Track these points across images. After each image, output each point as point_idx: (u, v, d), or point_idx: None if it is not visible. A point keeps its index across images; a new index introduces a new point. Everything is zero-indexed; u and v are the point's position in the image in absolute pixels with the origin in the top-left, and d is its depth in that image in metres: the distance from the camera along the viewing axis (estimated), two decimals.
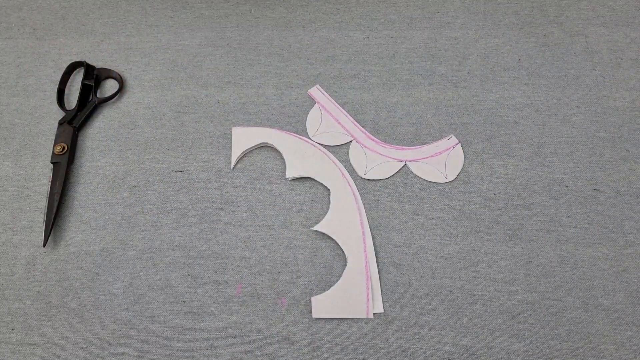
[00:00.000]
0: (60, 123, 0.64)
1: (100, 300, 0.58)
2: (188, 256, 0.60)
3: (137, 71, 0.71)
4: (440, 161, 0.61)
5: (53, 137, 0.66)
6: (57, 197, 0.61)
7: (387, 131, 0.66)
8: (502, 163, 0.64)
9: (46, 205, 0.61)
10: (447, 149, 0.62)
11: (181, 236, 0.61)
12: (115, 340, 0.56)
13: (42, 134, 0.67)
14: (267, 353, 0.56)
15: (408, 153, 0.59)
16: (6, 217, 0.62)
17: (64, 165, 0.62)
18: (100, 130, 0.67)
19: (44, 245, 0.60)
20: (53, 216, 0.60)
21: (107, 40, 0.73)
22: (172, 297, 0.58)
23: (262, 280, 0.59)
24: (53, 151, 0.63)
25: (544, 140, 0.66)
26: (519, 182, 0.63)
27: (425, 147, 0.62)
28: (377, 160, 0.58)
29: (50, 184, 0.61)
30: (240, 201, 0.63)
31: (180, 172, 0.64)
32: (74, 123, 0.65)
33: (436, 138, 0.66)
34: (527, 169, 0.64)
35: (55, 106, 0.68)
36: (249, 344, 0.56)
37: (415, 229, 0.61)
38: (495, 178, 0.63)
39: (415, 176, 0.63)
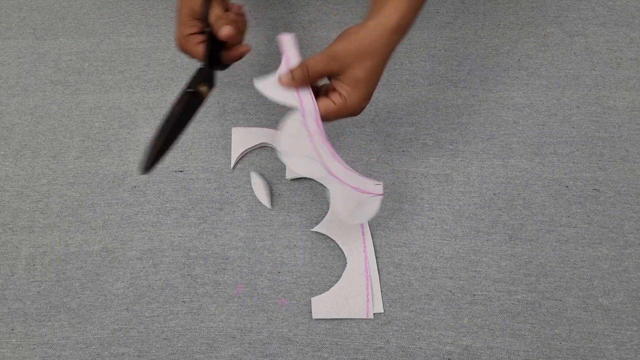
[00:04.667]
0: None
1: (100, 300, 0.58)
2: (188, 256, 0.60)
3: (137, 71, 0.71)
4: (353, 197, 0.53)
5: (53, 137, 0.66)
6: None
7: (387, 131, 0.66)
8: (502, 163, 0.64)
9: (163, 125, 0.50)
10: (368, 192, 0.54)
11: (181, 236, 0.61)
12: (115, 340, 0.56)
13: (42, 133, 0.67)
14: (267, 353, 0.56)
15: (339, 167, 0.51)
16: (6, 217, 0.62)
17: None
18: (100, 130, 0.67)
19: (145, 171, 0.49)
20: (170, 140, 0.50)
21: (107, 40, 0.73)
22: (172, 297, 0.58)
23: (262, 280, 0.59)
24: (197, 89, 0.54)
25: (543, 140, 0.66)
26: (519, 182, 0.63)
27: (354, 175, 0.53)
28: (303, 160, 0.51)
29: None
30: (240, 201, 0.63)
31: (180, 172, 0.64)
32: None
33: (436, 138, 0.66)
34: (527, 169, 0.64)
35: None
36: (249, 344, 0.56)
37: (415, 229, 0.61)
38: (495, 178, 0.63)
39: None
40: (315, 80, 0.51)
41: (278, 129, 0.52)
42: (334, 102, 0.51)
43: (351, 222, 0.54)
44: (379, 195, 0.55)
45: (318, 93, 0.52)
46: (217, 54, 0.55)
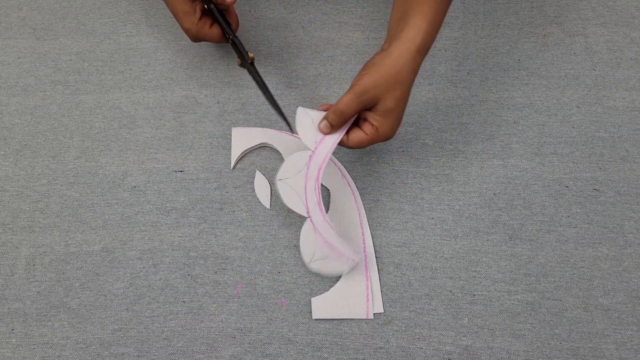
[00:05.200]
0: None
1: (100, 300, 0.58)
2: (188, 256, 0.60)
3: (137, 71, 0.71)
4: (319, 247, 0.55)
5: (53, 137, 0.66)
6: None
7: None
8: (502, 163, 0.64)
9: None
10: (340, 252, 0.55)
11: (181, 236, 0.61)
12: (115, 340, 0.56)
13: (42, 133, 0.67)
14: (267, 353, 0.56)
15: (319, 218, 0.54)
16: (6, 217, 0.62)
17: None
18: (100, 130, 0.67)
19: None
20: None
21: (107, 40, 0.73)
22: (172, 297, 0.58)
23: (262, 280, 0.59)
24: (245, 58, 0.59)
25: (543, 140, 0.66)
26: (519, 182, 0.63)
27: (332, 232, 0.55)
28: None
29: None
30: (240, 201, 0.63)
31: (180, 172, 0.64)
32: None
33: (436, 138, 0.66)
34: (527, 169, 0.64)
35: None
36: (249, 344, 0.56)
37: (415, 229, 0.61)
38: (495, 178, 0.64)
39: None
40: (352, 119, 0.53)
41: (285, 157, 0.57)
42: (365, 133, 0.52)
43: (308, 266, 0.55)
44: (352, 259, 0.55)
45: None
46: (230, 25, 0.60)
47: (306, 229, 0.55)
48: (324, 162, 0.53)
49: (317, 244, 0.55)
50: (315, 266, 0.55)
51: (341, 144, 0.54)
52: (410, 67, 0.50)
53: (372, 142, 0.53)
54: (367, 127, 0.52)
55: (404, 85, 0.51)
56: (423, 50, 0.51)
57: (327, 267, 0.56)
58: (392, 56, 0.50)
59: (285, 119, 0.55)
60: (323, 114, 0.53)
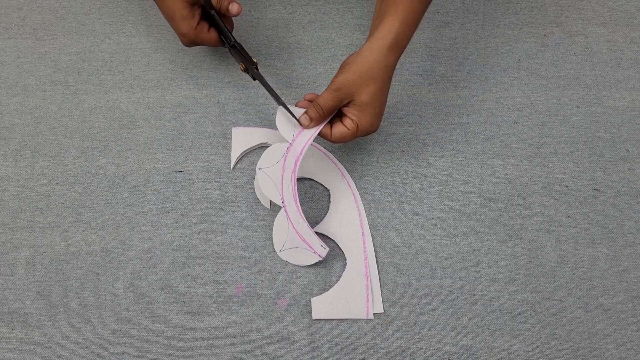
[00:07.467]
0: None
1: (100, 300, 0.58)
2: (188, 256, 0.60)
3: (137, 71, 0.71)
4: (291, 236, 0.57)
5: (53, 137, 0.66)
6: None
7: (388, 131, 0.66)
8: (502, 163, 0.64)
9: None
10: (309, 246, 0.57)
11: (181, 236, 0.61)
12: (115, 340, 0.56)
13: (42, 133, 0.67)
14: (267, 353, 0.56)
15: (294, 209, 0.56)
16: (6, 217, 0.62)
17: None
18: (100, 130, 0.67)
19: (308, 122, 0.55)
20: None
21: (107, 40, 0.73)
22: (172, 297, 0.58)
23: (262, 280, 0.59)
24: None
25: (543, 140, 0.66)
26: (519, 182, 0.63)
27: (304, 224, 0.56)
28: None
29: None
30: (240, 201, 0.63)
31: (180, 172, 0.64)
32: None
33: (436, 138, 0.66)
34: (527, 169, 0.64)
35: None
36: (249, 344, 0.56)
37: (415, 229, 0.61)
38: (495, 178, 0.64)
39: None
40: (330, 114, 0.56)
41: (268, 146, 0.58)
42: (347, 128, 0.55)
43: (278, 254, 0.59)
44: (318, 256, 0.57)
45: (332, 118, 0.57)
46: (227, 30, 0.61)
47: (280, 218, 0.57)
48: (300, 154, 0.56)
49: (288, 234, 0.57)
50: (284, 255, 0.59)
51: (325, 138, 0.57)
52: (383, 64, 0.53)
53: (354, 136, 0.55)
54: (348, 122, 0.55)
55: (377, 80, 0.54)
56: (395, 47, 0.54)
57: (296, 258, 0.58)
58: (363, 54, 0.54)
59: (297, 119, 0.56)
60: (302, 110, 0.56)
